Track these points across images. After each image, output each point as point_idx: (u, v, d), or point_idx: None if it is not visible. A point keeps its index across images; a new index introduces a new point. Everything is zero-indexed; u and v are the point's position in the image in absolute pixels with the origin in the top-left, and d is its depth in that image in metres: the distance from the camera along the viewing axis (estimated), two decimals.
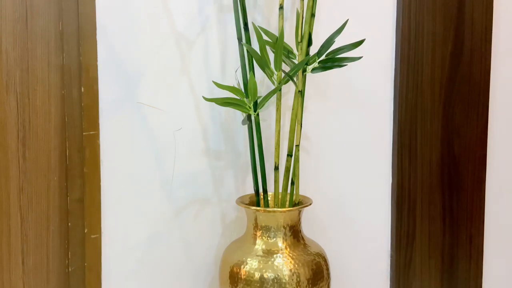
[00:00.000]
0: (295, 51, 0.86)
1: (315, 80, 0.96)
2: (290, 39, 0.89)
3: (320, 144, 1.02)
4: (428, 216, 1.13)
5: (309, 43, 0.86)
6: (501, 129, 1.19)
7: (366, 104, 1.06)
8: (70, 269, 0.89)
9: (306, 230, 0.96)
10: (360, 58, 0.83)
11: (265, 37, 0.86)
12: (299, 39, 0.84)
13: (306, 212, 0.96)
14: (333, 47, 0.86)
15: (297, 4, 0.88)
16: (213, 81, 0.79)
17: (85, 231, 0.87)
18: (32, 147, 0.86)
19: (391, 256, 1.11)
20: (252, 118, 0.80)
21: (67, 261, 0.89)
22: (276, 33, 0.84)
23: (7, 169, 0.84)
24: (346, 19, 0.86)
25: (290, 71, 0.80)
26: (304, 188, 0.97)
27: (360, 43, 0.82)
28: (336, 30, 0.85)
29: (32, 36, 0.84)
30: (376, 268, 1.10)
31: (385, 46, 1.05)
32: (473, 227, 1.17)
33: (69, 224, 0.88)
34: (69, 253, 0.88)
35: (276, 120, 0.82)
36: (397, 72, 1.08)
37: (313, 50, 0.87)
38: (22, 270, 0.87)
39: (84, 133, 0.86)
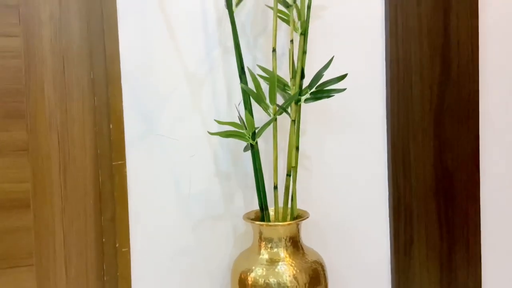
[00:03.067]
0: (290, 83, 0.95)
1: (313, 105, 1.00)
2: (288, 73, 0.97)
3: (319, 162, 1.07)
4: (425, 225, 1.14)
5: (302, 76, 0.95)
6: (493, 140, 1.19)
7: (361, 125, 1.10)
8: (105, 278, 0.98)
9: (309, 240, 1.02)
10: (344, 89, 0.91)
11: (263, 74, 0.96)
12: (291, 75, 0.93)
13: (308, 224, 1.03)
14: (323, 79, 0.95)
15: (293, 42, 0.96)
16: (214, 120, 0.89)
17: (117, 245, 0.96)
18: (71, 176, 0.97)
19: (391, 264, 1.15)
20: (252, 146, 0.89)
21: (102, 272, 0.98)
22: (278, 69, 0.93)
23: (51, 195, 0.96)
24: (332, 56, 0.94)
25: (283, 104, 0.89)
26: (305, 203, 1.04)
27: (343, 77, 0.90)
28: (324, 66, 0.93)
29: (69, 83, 0.96)
30: (376, 275, 1.12)
31: (375, 72, 1.09)
32: (470, 234, 1.18)
33: (103, 239, 0.98)
34: (104, 264, 0.98)
35: (274, 147, 0.90)
36: (388, 94, 1.11)
37: (307, 80, 0.94)
38: (66, 280, 0.97)
39: (113, 163, 0.95)
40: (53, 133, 0.95)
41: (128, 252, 0.96)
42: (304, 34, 0.91)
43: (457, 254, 1.17)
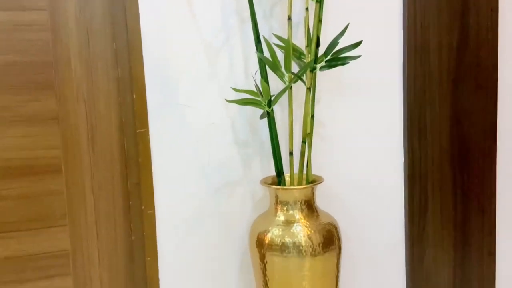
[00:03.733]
0: (305, 51, 0.96)
1: (328, 73, 1.01)
2: (303, 41, 0.98)
3: (334, 129, 1.08)
4: (440, 190, 1.15)
5: (317, 44, 0.96)
6: (511, 107, 1.18)
7: (377, 92, 1.10)
8: (133, 238, 1.03)
9: (324, 204, 1.05)
10: (359, 56, 0.92)
11: (279, 42, 0.97)
12: (307, 43, 0.94)
13: (323, 189, 1.06)
14: (339, 47, 0.96)
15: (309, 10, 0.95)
16: (231, 87, 0.92)
17: (142, 208, 1.01)
18: (99, 143, 1.03)
19: (405, 226, 1.17)
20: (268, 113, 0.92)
21: (130, 232, 1.04)
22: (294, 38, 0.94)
23: (81, 161, 1.01)
24: (347, 23, 0.94)
25: (299, 72, 0.91)
26: (320, 169, 1.07)
27: (358, 44, 0.91)
28: (339, 33, 0.94)
29: (93, 55, 1.00)
30: (390, 238, 1.14)
31: (392, 39, 1.09)
32: (485, 199, 1.18)
33: (130, 202, 1.03)
34: (131, 225, 1.04)
35: (289, 114, 0.93)
36: (405, 61, 1.10)
37: (323, 49, 0.95)
38: (96, 239, 1.03)
39: (137, 131, 0.98)
40: (81, 103, 1.00)
41: (153, 214, 1.01)
42: (319, 1, 0.92)
43: (472, 222, 1.18)
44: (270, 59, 0.86)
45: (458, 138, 1.15)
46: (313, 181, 0.96)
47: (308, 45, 0.92)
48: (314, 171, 1.00)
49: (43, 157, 0.99)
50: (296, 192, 0.92)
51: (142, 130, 0.99)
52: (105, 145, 1.01)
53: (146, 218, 1.01)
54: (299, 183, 0.95)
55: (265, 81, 0.86)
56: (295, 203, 0.93)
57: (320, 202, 0.99)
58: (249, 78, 1.01)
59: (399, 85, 1.11)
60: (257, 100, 0.86)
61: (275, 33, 0.97)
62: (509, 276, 1.24)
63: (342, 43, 0.94)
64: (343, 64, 0.92)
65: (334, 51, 0.93)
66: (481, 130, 1.16)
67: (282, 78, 0.89)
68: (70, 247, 1.01)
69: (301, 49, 0.96)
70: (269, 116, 0.89)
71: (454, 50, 1.12)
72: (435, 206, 1.16)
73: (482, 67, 1.14)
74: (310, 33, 0.93)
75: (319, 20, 0.94)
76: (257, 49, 0.88)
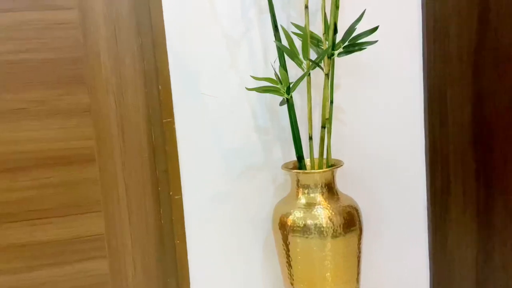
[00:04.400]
0: (323, 38, 0.98)
1: (347, 58, 1.00)
2: (321, 28, 0.99)
3: (354, 114, 1.09)
4: (462, 172, 1.14)
5: (335, 31, 0.97)
6: None
7: (396, 75, 1.10)
8: (162, 222, 1.08)
9: (344, 187, 1.07)
10: (376, 42, 0.93)
11: (297, 31, 1.00)
12: (324, 31, 0.96)
13: (344, 173, 1.08)
14: (356, 33, 0.97)
15: None
16: (251, 76, 0.95)
17: (170, 193, 1.05)
18: (128, 133, 1.07)
19: (427, 209, 1.18)
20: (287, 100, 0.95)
21: (159, 216, 1.08)
22: (311, 25, 0.96)
23: (112, 150, 1.06)
24: (364, 9, 0.96)
25: (316, 59, 0.93)
26: (341, 153, 1.08)
27: (375, 29, 0.92)
28: (356, 19, 0.95)
29: (121, 50, 1.05)
30: (412, 221, 1.15)
31: (411, 20, 1.08)
32: (509, 180, 1.15)
33: (159, 188, 1.07)
34: (161, 210, 1.08)
35: (308, 100, 0.95)
36: (425, 42, 1.09)
37: (340, 36, 0.95)
38: (129, 224, 1.09)
39: (163, 120, 1.02)
40: (110, 96, 1.04)
41: (181, 199, 1.05)
42: None
43: (495, 204, 1.16)
44: (288, 47, 0.88)
45: (480, 119, 1.14)
46: (333, 165, 0.98)
47: (326, 32, 0.94)
48: (335, 155, 1.02)
49: (77, 147, 1.04)
50: (317, 176, 0.95)
51: (168, 119, 1.03)
52: (134, 135, 1.06)
53: (174, 203, 1.05)
54: (320, 167, 0.97)
55: (283, 68, 0.89)
56: (315, 186, 0.95)
57: (341, 186, 1.01)
58: (269, 66, 1.03)
59: (419, 67, 1.11)
60: (276, 87, 0.89)
61: (293, 21, 0.99)
62: None
63: (359, 29, 0.94)
64: (361, 49, 0.93)
65: (351, 37, 0.94)
66: (504, 110, 1.13)
67: (300, 65, 0.91)
68: (105, 231, 1.07)
69: (319, 36, 0.98)
70: (289, 103, 0.91)
71: (474, 29, 1.10)
72: (457, 188, 1.16)
73: (504, 46, 1.11)
74: (327, 20, 0.95)
75: (336, 7, 0.95)
76: (275, 38, 0.90)
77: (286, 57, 0.92)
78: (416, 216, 1.16)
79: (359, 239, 0.96)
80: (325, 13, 0.94)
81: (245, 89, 0.92)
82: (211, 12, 1.01)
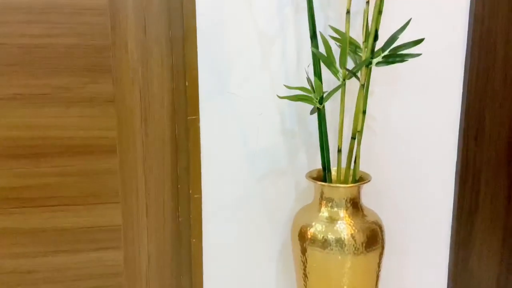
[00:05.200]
0: (362, 45, 0.92)
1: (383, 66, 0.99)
2: (360, 33, 0.94)
3: (385, 124, 1.04)
4: (492, 195, 1.10)
5: (375, 38, 0.91)
6: None
7: (434, 87, 1.04)
8: (180, 219, 1.08)
9: (369, 200, 1.04)
10: (419, 55, 0.86)
11: (335, 35, 0.94)
12: (364, 38, 0.90)
13: (370, 184, 1.04)
14: (398, 42, 0.91)
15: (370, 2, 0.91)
16: (284, 85, 0.89)
17: (190, 192, 1.03)
18: (151, 127, 1.05)
19: (452, 228, 1.14)
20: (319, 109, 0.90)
21: (177, 213, 1.08)
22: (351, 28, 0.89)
23: (134, 143, 1.05)
24: (410, 18, 0.88)
25: (353, 68, 0.87)
26: (368, 164, 1.05)
27: (420, 41, 0.86)
28: (400, 28, 0.88)
29: (149, 40, 1.01)
30: (434, 241, 1.11)
31: (456, 30, 1.02)
32: None
33: (178, 186, 1.06)
34: (179, 207, 1.07)
35: (340, 111, 0.90)
36: (468, 54, 1.03)
37: (380, 43, 0.91)
38: (146, 218, 1.08)
39: (188, 118, 0.99)
40: (136, 87, 1.01)
41: (200, 198, 1.03)
42: None
43: None
44: (325, 54, 0.83)
45: None
46: (360, 179, 0.94)
47: (366, 40, 0.88)
48: (362, 165, 0.98)
49: (99, 137, 1.02)
50: (342, 190, 0.91)
51: (193, 117, 0.99)
52: (157, 130, 1.03)
53: (193, 202, 1.03)
54: (346, 179, 0.93)
55: (318, 78, 0.84)
56: (340, 200, 0.91)
57: (366, 197, 0.97)
58: (301, 68, 0.98)
59: (459, 80, 1.05)
60: (309, 96, 0.84)
61: (331, 24, 0.93)
62: None
63: (401, 38, 0.88)
64: (402, 61, 0.87)
65: (392, 47, 0.88)
66: None
67: (336, 74, 0.85)
68: (122, 223, 1.06)
69: (358, 42, 0.92)
70: (320, 113, 0.87)
71: None
72: (486, 209, 1.11)
73: None
74: (368, 26, 0.89)
75: (379, 12, 0.88)
76: (312, 44, 0.85)
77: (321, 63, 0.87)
78: (440, 235, 1.12)
79: (380, 257, 0.93)
80: (367, 19, 0.87)
81: (277, 97, 0.87)
82: (246, 8, 0.96)
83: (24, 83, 0.97)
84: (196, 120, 0.99)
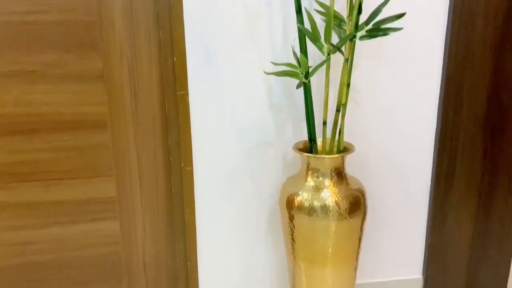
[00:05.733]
0: (346, 20, 0.94)
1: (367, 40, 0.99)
2: (345, 7, 0.95)
3: (369, 95, 1.07)
4: (468, 162, 1.15)
5: (359, 11, 0.92)
6: None
7: (416, 60, 1.06)
8: (172, 191, 1.10)
9: (353, 168, 1.09)
10: (401, 29, 0.89)
11: (320, 8, 0.95)
12: (348, 12, 0.92)
13: (354, 154, 1.09)
14: (381, 16, 0.93)
15: None
16: (271, 62, 0.91)
17: (182, 165, 1.06)
18: (141, 102, 1.07)
19: (430, 192, 1.19)
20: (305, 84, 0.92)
21: (170, 185, 1.10)
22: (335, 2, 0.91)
23: (125, 118, 1.06)
24: None
25: (338, 43, 0.89)
26: (352, 134, 1.09)
27: (402, 15, 0.88)
28: (383, 2, 0.90)
29: (136, 17, 1.01)
30: (414, 204, 1.17)
31: (438, 7, 1.04)
32: None
33: (170, 159, 1.09)
34: (171, 180, 1.10)
35: (325, 85, 0.93)
36: (449, 28, 1.06)
37: (364, 17, 0.92)
38: (140, 190, 1.11)
39: (177, 93, 1.01)
40: (124, 63, 1.02)
41: (191, 170, 1.06)
42: None
43: (496, 193, 1.18)
44: (310, 30, 0.85)
45: (495, 107, 1.13)
46: (344, 149, 0.98)
47: (350, 13, 0.90)
48: (347, 136, 1.02)
49: (90, 113, 1.04)
50: (327, 161, 0.95)
51: (182, 92, 1.01)
52: (147, 105, 1.05)
53: (185, 174, 1.06)
54: (331, 150, 0.97)
55: (304, 53, 0.86)
56: (325, 170, 0.95)
57: (350, 166, 1.02)
58: (288, 43, 1.00)
59: (440, 53, 1.08)
60: (295, 71, 0.86)
61: None
62: None
63: (385, 13, 0.90)
64: (385, 35, 0.89)
65: (376, 21, 0.90)
66: None
67: (321, 49, 0.88)
68: (116, 195, 1.10)
69: (342, 16, 0.94)
70: (306, 87, 0.89)
71: (500, 22, 1.06)
72: (462, 175, 1.16)
73: None
74: (352, 0, 0.90)
75: None
76: (297, 19, 0.86)
77: (307, 39, 0.89)
78: (419, 199, 1.17)
79: (362, 222, 0.99)
80: None
81: (264, 73, 0.89)
82: None
83: (14, 60, 0.98)
84: (185, 95, 1.01)
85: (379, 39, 1.00)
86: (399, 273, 1.22)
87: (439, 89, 1.11)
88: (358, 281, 1.20)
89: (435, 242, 1.21)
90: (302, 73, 0.86)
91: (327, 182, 0.95)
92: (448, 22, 1.05)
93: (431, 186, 1.17)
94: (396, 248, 1.21)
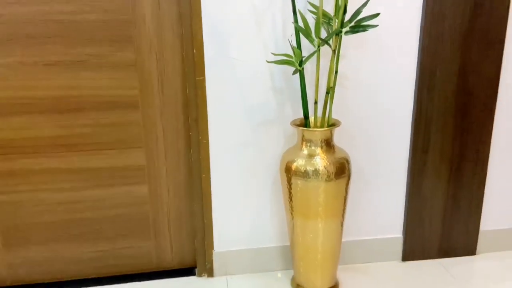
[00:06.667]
0: (334, 18, 1.14)
1: (354, 34, 1.16)
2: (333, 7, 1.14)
3: (355, 80, 1.26)
4: (441, 133, 1.32)
5: (345, 11, 1.13)
6: None
7: (395, 49, 1.24)
8: (192, 159, 1.30)
9: (341, 142, 1.30)
10: (377, 26, 1.08)
11: (312, 9, 1.16)
12: (335, 12, 1.12)
13: (342, 130, 1.29)
14: (363, 15, 1.13)
15: None
16: (271, 53, 1.13)
17: (199, 138, 1.24)
18: (167, 87, 1.28)
19: (408, 163, 1.37)
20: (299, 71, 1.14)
21: (189, 155, 1.29)
22: (326, 2, 1.11)
23: (153, 100, 1.27)
24: None
25: (326, 37, 1.11)
26: (341, 113, 1.29)
27: (376, 15, 1.08)
28: (362, 5, 1.10)
29: (163, 15, 1.21)
30: (393, 174, 1.35)
31: (413, 4, 1.22)
32: (481, 141, 1.34)
33: (190, 133, 1.27)
34: (191, 150, 1.28)
35: (316, 71, 1.13)
36: (422, 22, 1.23)
37: (348, 16, 1.13)
38: (164, 159, 1.30)
39: (196, 78, 1.20)
40: (152, 54, 1.22)
41: (207, 143, 1.25)
42: None
43: (466, 159, 1.35)
44: (303, 27, 1.06)
45: (463, 91, 1.30)
46: (332, 124, 1.19)
47: (337, 13, 1.11)
48: (337, 115, 1.23)
49: (125, 95, 1.26)
50: (318, 133, 1.16)
51: (200, 78, 1.20)
52: (171, 89, 1.24)
53: (202, 146, 1.26)
54: (321, 125, 1.18)
55: (298, 46, 1.07)
56: (316, 141, 1.16)
57: (340, 140, 1.23)
58: (287, 36, 1.20)
59: (416, 43, 1.26)
60: (291, 60, 1.08)
61: (310, 1, 1.15)
62: (495, 212, 1.44)
63: (370, 11, 1.10)
64: (364, 30, 1.10)
65: (357, 19, 1.10)
66: (484, 85, 1.30)
67: (312, 42, 1.09)
68: (146, 163, 1.32)
69: (331, 15, 1.14)
70: (300, 73, 1.11)
71: (467, 16, 1.23)
72: (435, 147, 1.34)
73: (491, 33, 1.25)
74: (339, 2, 1.11)
75: None
76: (293, 18, 1.08)
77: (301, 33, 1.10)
78: (399, 167, 1.35)
79: (347, 183, 1.20)
80: None
81: (266, 62, 1.11)
82: None
83: (64, 52, 1.20)
84: (203, 81, 1.20)
85: (363, 33, 1.21)
86: (382, 232, 1.41)
87: (415, 76, 1.29)
88: (345, 239, 1.40)
89: (413, 206, 1.39)
90: (297, 62, 1.07)
91: (318, 150, 1.16)
92: (421, 18, 1.23)
93: (409, 156, 1.35)
94: (379, 210, 1.40)
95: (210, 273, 1.35)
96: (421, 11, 1.22)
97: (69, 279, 1.36)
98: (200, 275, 1.36)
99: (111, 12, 1.17)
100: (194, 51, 1.18)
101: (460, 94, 1.30)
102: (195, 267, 1.39)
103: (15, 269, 1.32)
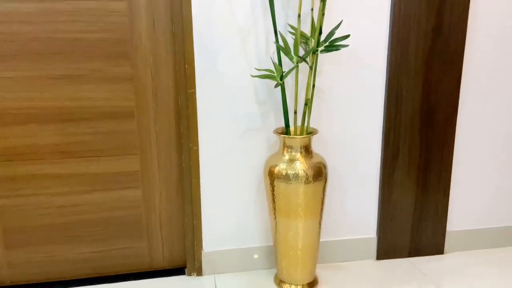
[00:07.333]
0: (310, 38, 1.29)
1: (330, 53, 1.30)
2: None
3: (331, 94, 1.38)
4: (409, 144, 1.43)
5: (320, 32, 1.28)
6: (471, 84, 1.42)
7: (366, 66, 1.37)
8: (183, 165, 1.37)
9: (319, 149, 1.42)
10: (347, 46, 1.23)
11: (290, 30, 1.30)
12: (311, 33, 1.27)
13: (320, 138, 1.41)
14: (335, 36, 1.28)
15: (316, 5, 1.26)
16: (255, 68, 1.26)
17: (190, 145, 1.32)
18: (160, 98, 1.38)
19: (380, 170, 1.46)
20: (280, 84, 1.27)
21: (181, 161, 1.37)
22: (304, 24, 1.25)
23: (148, 110, 1.37)
24: (341, 20, 1.26)
25: (304, 55, 1.25)
26: (318, 123, 1.42)
27: (347, 36, 1.22)
28: (335, 26, 1.26)
29: (157, 35, 1.34)
30: (369, 176, 1.45)
31: (381, 27, 1.35)
32: (444, 149, 1.45)
33: (182, 141, 1.35)
34: (182, 157, 1.36)
35: (295, 85, 1.26)
36: (389, 43, 1.37)
37: (323, 36, 1.27)
38: (157, 165, 1.38)
39: (188, 91, 1.29)
40: (148, 69, 1.34)
41: (198, 149, 1.34)
42: (323, 0, 1.23)
43: (432, 166, 1.45)
44: (284, 46, 1.20)
45: (427, 104, 1.42)
46: (310, 133, 1.32)
47: (313, 34, 1.25)
48: (315, 124, 1.35)
49: (122, 106, 1.36)
50: (298, 140, 1.28)
51: (192, 90, 1.29)
52: (164, 100, 1.33)
53: (192, 152, 1.34)
54: (301, 133, 1.31)
55: (279, 63, 1.21)
56: (296, 147, 1.28)
57: (318, 147, 1.35)
58: (269, 53, 1.33)
59: (384, 62, 1.40)
60: (273, 75, 1.21)
61: (290, 22, 1.29)
62: (460, 214, 1.54)
63: (343, 32, 1.24)
64: (337, 49, 1.24)
65: (331, 39, 1.25)
66: (445, 99, 1.43)
67: (292, 59, 1.23)
68: (140, 169, 1.41)
69: (308, 35, 1.29)
70: (281, 86, 1.24)
71: (429, 36, 1.37)
72: (404, 156, 1.45)
73: (451, 51, 1.39)
74: (315, 24, 1.25)
75: (322, 14, 1.25)
76: (275, 39, 1.22)
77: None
78: (372, 174, 1.45)
79: (324, 186, 1.32)
80: (313, 18, 1.24)
81: (251, 76, 1.24)
82: (229, 8, 1.29)
83: (67, 67, 1.31)
84: (194, 93, 1.29)
85: (337, 52, 1.35)
86: (357, 233, 1.50)
87: (384, 91, 1.42)
88: (325, 239, 1.49)
89: (385, 209, 1.49)
90: (278, 76, 1.21)
91: (298, 156, 1.28)
92: (389, 39, 1.37)
93: (380, 163, 1.47)
94: (354, 213, 1.49)
95: (199, 272, 1.43)
96: (388, 34, 1.37)
97: (67, 279, 1.43)
98: (189, 274, 1.44)
99: (110, 31, 1.29)
100: (186, 66, 1.29)
101: (423, 110, 1.41)
102: (185, 266, 1.47)
103: (15, 269, 1.39)
